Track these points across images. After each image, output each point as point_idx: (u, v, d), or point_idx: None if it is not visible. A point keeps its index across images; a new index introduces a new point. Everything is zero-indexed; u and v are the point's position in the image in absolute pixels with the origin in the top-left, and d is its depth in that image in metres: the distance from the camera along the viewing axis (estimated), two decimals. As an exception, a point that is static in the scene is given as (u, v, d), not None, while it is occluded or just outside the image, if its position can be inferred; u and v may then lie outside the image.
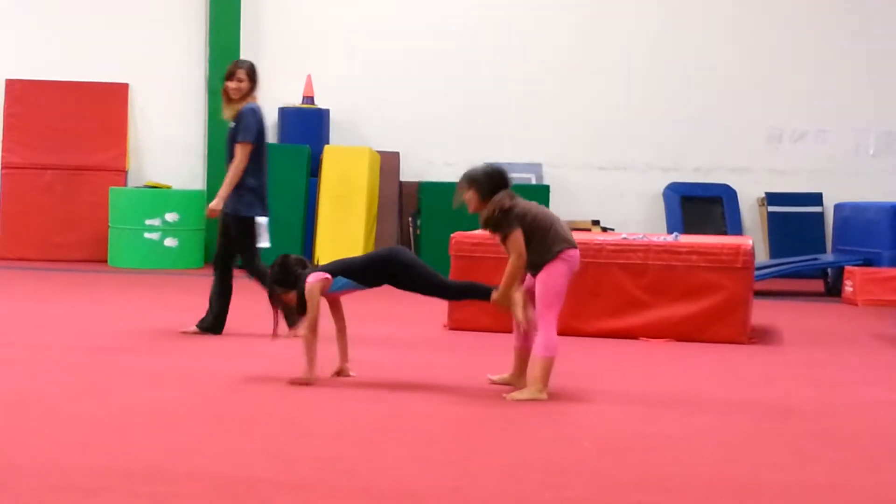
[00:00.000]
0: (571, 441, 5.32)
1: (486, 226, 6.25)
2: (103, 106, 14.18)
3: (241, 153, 8.16)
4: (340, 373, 6.65)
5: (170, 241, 13.31)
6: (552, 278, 6.20)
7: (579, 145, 14.41)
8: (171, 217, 13.29)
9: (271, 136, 14.23)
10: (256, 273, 8.21)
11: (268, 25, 14.33)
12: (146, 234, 13.25)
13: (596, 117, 14.37)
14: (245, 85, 8.27)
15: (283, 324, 6.72)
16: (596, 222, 13.88)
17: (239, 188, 8.17)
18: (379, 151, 13.93)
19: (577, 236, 9.27)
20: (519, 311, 6.22)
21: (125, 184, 14.02)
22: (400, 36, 14.34)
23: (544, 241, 6.18)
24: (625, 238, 9.20)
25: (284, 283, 6.48)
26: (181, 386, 6.40)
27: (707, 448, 5.25)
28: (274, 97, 14.17)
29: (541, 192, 13.54)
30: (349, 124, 14.33)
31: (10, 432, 5.19)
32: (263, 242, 8.30)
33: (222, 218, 8.23)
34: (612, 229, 13.55)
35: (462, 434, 5.44)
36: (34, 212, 13.91)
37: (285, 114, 14.05)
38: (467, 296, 6.83)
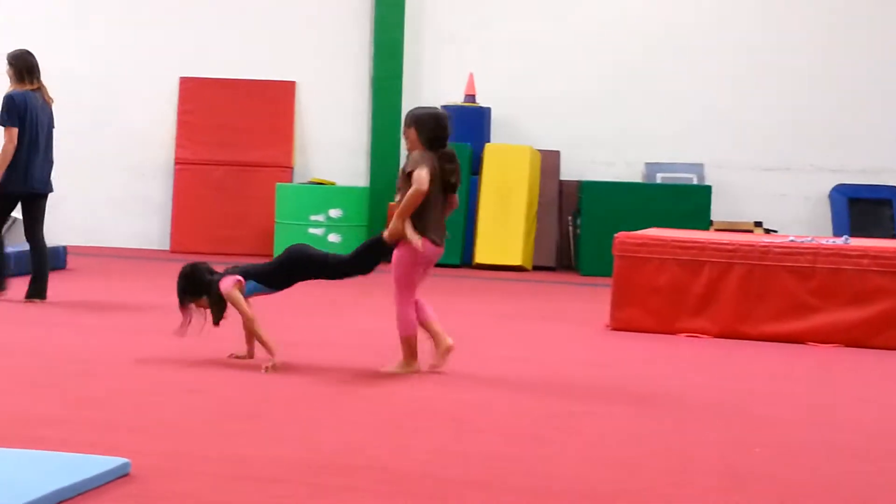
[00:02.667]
0: (743, 445, 5.27)
1: (406, 161, 6.54)
2: (271, 103, 14.53)
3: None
4: (245, 356, 6.89)
5: (333, 237, 13.58)
6: (398, 263, 6.52)
7: (743, 146, 14.19)
8: (334, 213, 13.56)
9: (433, 135, 14.41)
10: None
11: (431, 24, 14.49)
12: (310, 230, 13.54)
13: (761, 118, 14.13)
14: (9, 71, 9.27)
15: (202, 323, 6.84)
16: (759, 224, 13.65)
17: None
18: (539, 150, 13.96)
19: (741, 238, 9.24)
20: (412, 236, 6.37)
21: (291, 180, 14.35)
22: (562, 34, 14.33)
23: (419, 216, 6.41)
24: (792, 241, 9.05)
25: (194, 291, 6.76)
26: (343, 378, 6.54)
27: None
28: (436, 95, 14.33)
29: (702, 193, 13.40)
30: (510, 123, 14.39)
31: (188, 423, 5.39)
32: None
33: None
34: (776, 231, 13.32)
35: (633, 435, 5.43)
36: (204, 206, 14.34)
37: (447, 112, 14.16)
38: (369, 256, 6.76)
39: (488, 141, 14.10)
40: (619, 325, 8.83)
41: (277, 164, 14.39)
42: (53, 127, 9.62)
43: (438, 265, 13.21)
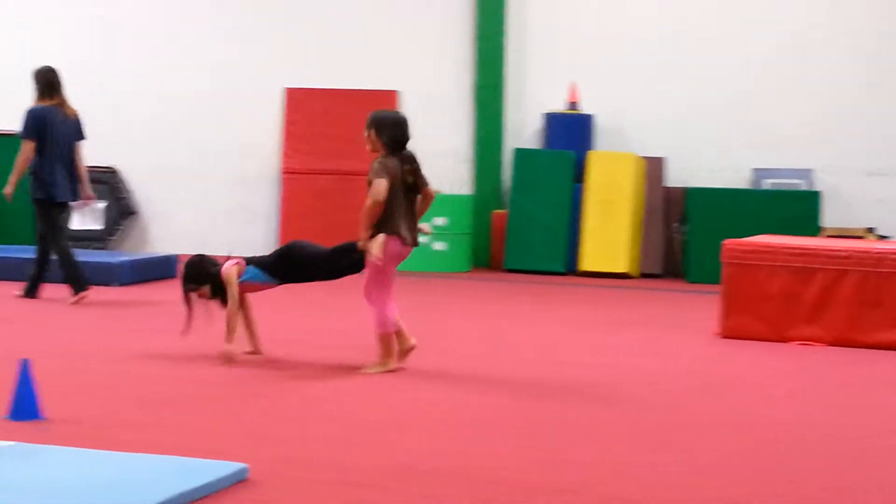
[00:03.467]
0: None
1: (371, 168, 6.79)
2: (375, 113, 14.62)
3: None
4: (254, 352, 7.21)
5: (439, 245, 13.62)
6: (370, 265, 6.75)
7: (853, 150, 13.90)
8: (439, 221, 13.60)
9: (537, 143, 14.39)
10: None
11: (533, 32, 14.46)
12: (415, 238, 13.58)
13: (871, 122, 13.83)
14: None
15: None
16: (871, 230, 13.37)
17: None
18: (644, 157, 13.85)
19: (855, 244, 9.06)
20: (375, 250, 6.59)
21: (395, 189, 14.42)
22: (664, 41, 14.20)
23: (383, 218, 6.69)
24: (907, 247, 8.85)
25: (197, 279, 7.08)
26: (442, 386, 6.55)
27: None
28: (539, 103, 14.32)
29: (810, 199, 13.18)
30: (613, 130, 14.30)
31: (303, 430, 5.44)
32: None
33: None
34: (889, 237, 13.03)
35: (750, 449, 5.35)
36: (310, 215, 14.48)
37: (550, 119, 14.16)
38: (347, 259, 6.99)
39: (592, 148, 14.03)
40: (729, 332, 8.71)
41: (382, 173, 14.46)
42: (82, 139, 10.12)
43: (543, 272, 13.32)
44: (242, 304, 7.19)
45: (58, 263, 9.83)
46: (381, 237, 6.66)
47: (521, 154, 14.00)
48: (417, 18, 14.68)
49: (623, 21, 14.30)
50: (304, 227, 14.45)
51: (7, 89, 15.11)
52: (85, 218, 13.17)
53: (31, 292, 9.91)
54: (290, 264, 7.15)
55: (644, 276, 13.52)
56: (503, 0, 14.34)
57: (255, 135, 14.94)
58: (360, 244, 6.74)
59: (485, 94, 14.40)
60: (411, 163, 6.97)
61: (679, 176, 14.03)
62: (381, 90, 14.66)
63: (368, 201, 6.68)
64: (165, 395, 6.12)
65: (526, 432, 5.47)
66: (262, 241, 14.88)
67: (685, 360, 7.85)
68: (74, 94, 14.90)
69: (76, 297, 9.69)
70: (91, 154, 14.92)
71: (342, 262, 7.03)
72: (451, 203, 13.82)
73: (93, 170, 14.80)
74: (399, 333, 6.97)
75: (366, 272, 6.85)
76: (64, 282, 9.82)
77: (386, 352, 6.89)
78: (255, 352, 7.28)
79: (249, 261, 7.16)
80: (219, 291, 7.07)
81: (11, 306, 9.57)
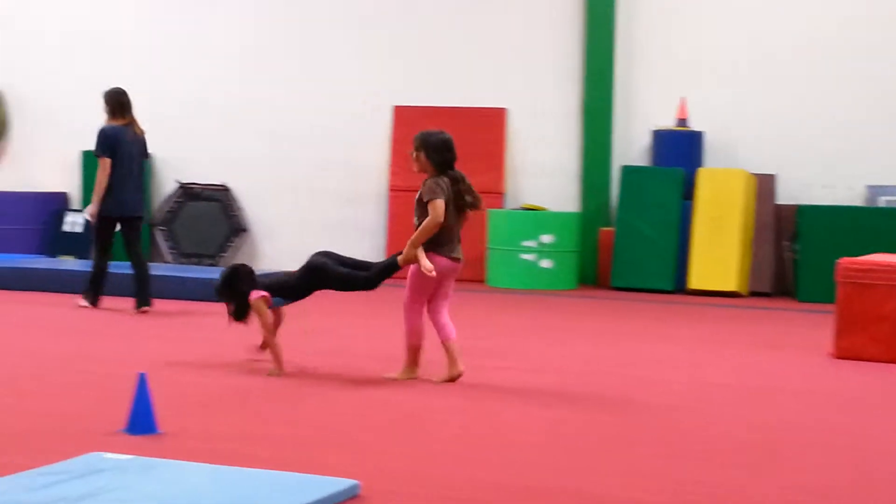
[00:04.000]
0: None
1: (422, 188, 6.93)
2: (482, 130, 14.66)
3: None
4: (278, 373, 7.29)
5: (545, 262, 13.58)
6: (411, 277, 7.01)
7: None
8: (546, 238, 13.57)
9: (645, 160, 14.29)
10: None
11: (641, 49, 14.38)
12: (522, 255, 13.59)
13: None
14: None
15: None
16: None
17: None
18: (754, 174, 13.66)
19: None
20: (424, 262, 6.81)
21: (502, 206, 14.44)
22: (772, 56, 14.00)
23: (434, 238, 6.87)
24: None
25: (229, 295, 7.41)
26: (546, 403, 6.52)
27: None
28: (647, 120, 14.23)
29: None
30: (723, 146, 14.13)
31: (413, 446, 5.47)
32: None
33: None
34: None
35: (876, 472, 5.24)
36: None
37: (658, 136, 14.05)
38: (384, 276, 7.30)
39: (701, 165, 13.89)
40: (843, 353, 8.54)
41: (489, 190, 14.46)
42: (146, 157, 10.77)
43: (651, 290, 13.20)
44: (273, 326, 7.45)
45: (92, 272, 10.42)
46: (421, 252, 6.85)
47: (629, 171, 13.91)
48: (526, 36, 14.68)
49: (733, 36, 14.14)
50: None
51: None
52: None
53: (141, 305, 10.20)
54: (311, 285, 7.41)
55: (753, 294, 13.33)
56: (612, 17, 14.29)
57: (363, 152, 15.09)
58: (402, 260, 6.99)
59: (593, 111, 14.35)
60: (463, 182, 7.05)
61: (790, 193, 13.81)
62: (489, 107, 14.70)
63: (428, 220, 6.83)
64: (269, 409, 6.20)
65: (632, 452, 5.42)
66: (371, 257, 14.97)
67: (798, 380, 7.71)
68: (187, 113, 15.30)
69: (86, 304, 10.30)
70: (203, 171, 15.31)
71: (377, 283, 7.32)
72: (558, 220, 13.79)
73: (205, 187, 15.17)
74: (451, 360, 7.06)
75: (407, 285, 7.04)
76: (87, 287, 10.39)
77: (411, 361, 7.09)
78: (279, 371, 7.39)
79: (270, 289, 7.38)
80: (241, 309, 7.39)
81: (123, 321, 9.77)
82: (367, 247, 14.99)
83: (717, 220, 13.36)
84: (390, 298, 8.70)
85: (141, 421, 5.42)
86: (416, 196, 7.02)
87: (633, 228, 13.64)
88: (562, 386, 7.16)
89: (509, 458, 5.22)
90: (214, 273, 11.91)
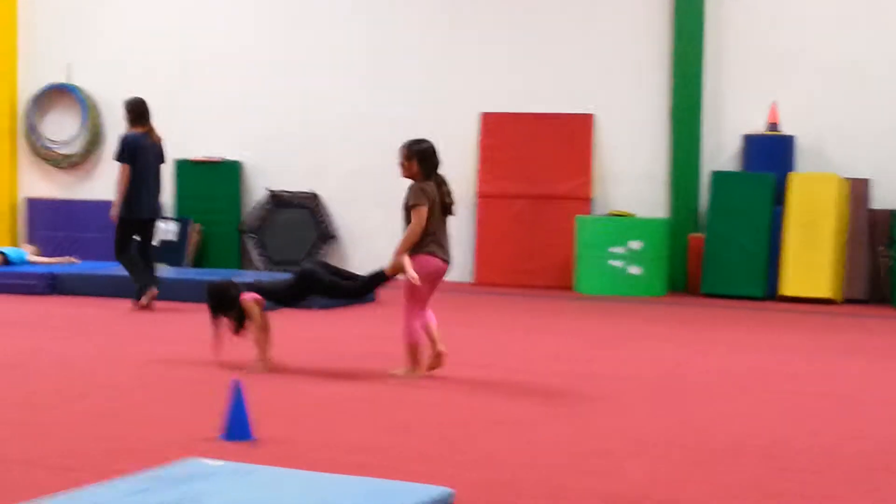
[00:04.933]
0: None
1: (408, 192, 7.40)
2: (570, 136, 14.62)
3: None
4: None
5: (634, 269, 13.50)
6: (406, 284, 7.30)
7: None
8: (635, 245, 13.48)
9: (735, 165, 14.13)
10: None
11: (731, 53, 14.22)
12: (610, 262, 13.51)
13: None
14: None
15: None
16: None
17: None
18: (846, 178, 13.44)
19: None
20: (409, 271, 7.18)
21: (590, 212, 14.37)
22: (865, 58, 13.76)
23: (422, 239, 7.28)
24: None
25: (224, 306, 7.64)
26: (638, 413, 6.47)
27: None
28: (738, 125, 14.07)
29: None
30: (815, 150, 13.93)
31: (506, 454, 5.47)
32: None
33: None
34: None
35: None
36: (506, 239, 14.55)
37: (749, 141, 13.89)
38: (372, 285, 7.79)
39: (792, 170, 13.70)
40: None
41: (577, 196, 14.45)
42: (163, 162, 11.30)
43: (742, 297, 13.05)
44: (264, 325, 7.70)
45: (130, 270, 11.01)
46: (407, 260, 7.22)
47: (718, 177, 13.77)
48: (613, 41, 14.60)
49: (824, 38, 13.93)
50: (500, 252, 14.54)
51: (220, 118, 15.72)
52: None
53: (139, 295, 10.87)
54: (303, 292, 7.75)
55: (848, 301, 13.11)
56: (701, 20, 14.16)
57: (451, 159, 14.96)
58: (389, 269, 7.41)
59: (682, 117, 14.23)
60: (446, 185, 7.54)
61: (885, 197, 13.57)
62: (576, 113, 14.65)
63: (411, 228, 7.28)
64: (362, 416, 6.24)
65: (736, 464, 5.36)
66: (460, 264, 15.02)
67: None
68: (277, 121, 15.46)
69: (138, 303, 10.81)
70: (293, 180, 15.45)
71: (367, 292, 7.80)
72: (646, 227, 13.69)
73: (294, 195, 15.32)
74: (431, 340, 7.50)
75: (403, 290, 7.41)
76: (137, 289, 10.88)
77: (413, 360, 7.42)
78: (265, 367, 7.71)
79: (262, 291, 7.69)
80: (239, 316, 7.65)
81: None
82: (456, 254, 14.97)
83: (809, 226, 13.18)
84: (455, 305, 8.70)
85: (237, 427, 5.49)
86: (403, 202, 7.45)
87: (724, 234, 13.49)
88: (653, 394, 7.11)
89: (608, 467, 5.19)
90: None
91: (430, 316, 7.54)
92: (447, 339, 9.44)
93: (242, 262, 15.44)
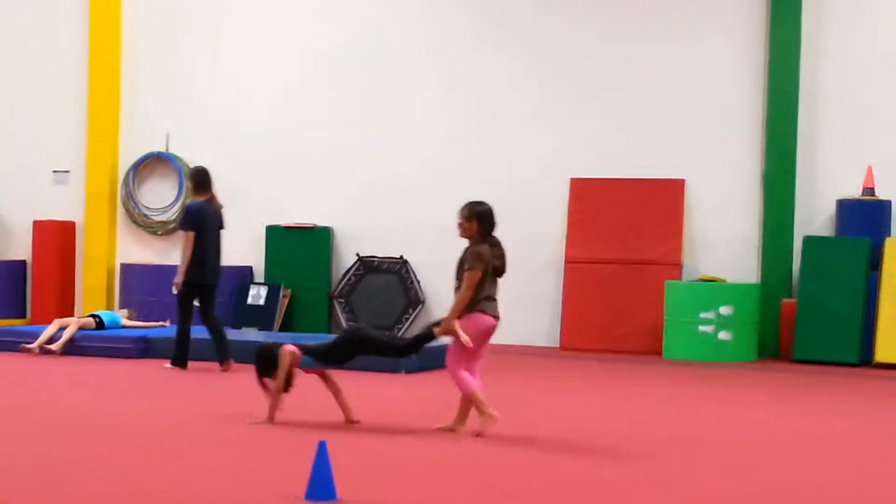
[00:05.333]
0: None
1: (465, 254, 7.65)
2: (660, 201, 14.55)
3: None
4: (351, 421, 7.83)
5: (724, 335, 13.33)
6: (452, 343, 7.52)
7: None
8: (725, 310, 13.32)
9: (829, 229, 13.93)
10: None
11: (825, 115, 14.10)
12: (700, 327, 13.36)
13: None
14: None
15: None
16: None
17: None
18: (945, 243, 13.17)
19: None
20: (461, 335, 7.38)
21: (680, 277, 14.25)
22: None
23: (475, 299, 7.48)
24: None
25: (268, 366, 7.80)
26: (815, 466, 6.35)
27: None
28: (831, 189, 13.89)
29: None
30: (911, 215, 13.71)
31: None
32: None
33: None
34: None
35: None
36: (593, 304, 14.47)
37: (843, 206, 13.70)
38: (420, 345, 7.93)
39: (889, 235, 13.48)
40: None
41: (667, 261, 14.34)
42: (223, 227, 11.61)
43: (835, 363, 12.80)
44: (327, 384, 7.93)
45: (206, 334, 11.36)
46: (457, 323, 7.42)
47: (811, 241, 13.59)
48: (705, 105, 14.56)
49: (919, 102, 13.75)
50: (587, 317, 14.45)
51: (312, 185, 15.91)
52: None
53: (224, 360, 11.19)
54: (350, 352, 7.89)
55: (947, 368, 12.79)
56: (796, 84, 14.06)
57: (539, 224, 15.10)
58: (440, 330, 7.56)
59: (774, 181, 14.11)
60: (500, 247, 7.72)
61: (984, 263, 13.26)
62: (667, 179, 14.58)
63: (463, 291, 7.49)
64: (447, 477, 6.20)
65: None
66: (547, 328, 14.98)
67: None
68: (366, 188, 15.61)
69: (171, 367, 11.14)
70: (382, 245, 15.55)
71: (419, 347, 7.94)
72: (737, 291, 13.54)
73: (383, 260, 15.42)
74: (462, 410, 7.66)
75: (449, 348, 7.60)
76: (174, 352, 11.26)
77: (479, 404, 7.49)
78: (352, 420, 7.87)
79: (304, 349, 7.85)
80: (289, 380, 7.80)
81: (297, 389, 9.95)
82: (544, 319, 14.97)
83: (905, 292, 12.92)
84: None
85: (321, 487, 5.49)
86: (459, 260, 7.69)
87: (817, 299, 13.28)
88: (744, 458, 6.98)
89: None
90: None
91: (478, 381, 7.63)
92: (533, 404, 9.40)
93: (331, 326, 15.55)
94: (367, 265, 15.48)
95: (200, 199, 11.33)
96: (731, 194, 14.41)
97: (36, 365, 11.44)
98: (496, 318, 7.62)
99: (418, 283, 15.36)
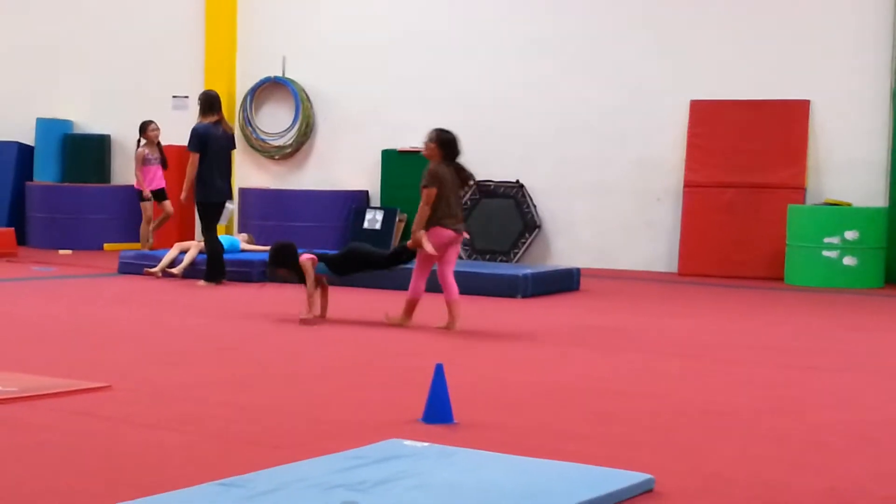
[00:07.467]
0: None
1: (424, 171, 8.57)
2: (783, 124, 14.16)
3: None
4: (320, 317, 9.15)
5: (849, 260, 12.99)
6: (419, 251, 8.64)
7: None
8: (850, 235, 12.97)
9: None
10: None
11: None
12: (824, 253, 13.04)
13: None
14: None
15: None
16: None
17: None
18: None
19: None
20: (426, 244, 8.48)
21: (803, 201, 13.89)
22: None
23: (436, 214, 8.50)
24: None
25: (282, 262, 9.12)
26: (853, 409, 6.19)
27: None
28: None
29: None
30: None
31: (713, 445, 5.31)
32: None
33: None
34: None
35: None
36: (713, 229, 14.21)
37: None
38: (397, 257, 9.14)
39: None
40: None
41: (789, 185, 13.98)
42: (233, 148, 12.35)
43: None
44: (318, 285, 9.09)
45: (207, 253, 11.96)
46: (423, 234, 8.45)
47: (942, 164, 13.12)
48: (830, 22, 14.08)
49: None
50: (707, 243, 14.20)
51: (428, 109, 15.85)
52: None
53: (211, 279, 11.81)
54: (349, 264, 9.16)
55: None
56: (924, 0, 13.52)
57: (659, 149, 14.84)
58: (409, 244, 8.64)
59: (903, 103, 13.62)
60: (465, 170, 8.72)
61: None
62: (791, 100, 14.18)
63: (420, 206, 8.48)
64: (562, 403, 6.16)
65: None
66: (665, 256, 14.78)
67: None
68: (483, 112, 15.50)
69: (205, 285, 11.72)
70: (497, 169, 15.46)
71: (398, 261, 9.10)
72: (863, 215, 13.17)
73: (499, 184, 15.34)
74: (452, 317, 8.64)
75: (417, 256, 8.71)
76: (207, 271, 11.85)
77: (405, 312, 8.80)
78: (321, 317, 9.13)
79: (320, 258, 9.14)
80: (298, 272, 9.03)
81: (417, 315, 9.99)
82: (662, 245, 14.77)
83: None
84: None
85: (438, 410, 5.49)
86: (422, 183, 8.55)
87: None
88: (870, 387, 6.80)
89: (825, 462, 4.97)
90: (509, 270, 12.04)
91: (454, 289, 8.60)
92: (653, 327, 9.29)
93: (448, 251, 15.54)
94: (483, 190, 15.41)
95: (207, 121, 11.87)
96: (859, 116, 13.95)
97: (161, 289, 11.64)
98: (457, 231, 8.61)
99: (535, 207, 15.25)
